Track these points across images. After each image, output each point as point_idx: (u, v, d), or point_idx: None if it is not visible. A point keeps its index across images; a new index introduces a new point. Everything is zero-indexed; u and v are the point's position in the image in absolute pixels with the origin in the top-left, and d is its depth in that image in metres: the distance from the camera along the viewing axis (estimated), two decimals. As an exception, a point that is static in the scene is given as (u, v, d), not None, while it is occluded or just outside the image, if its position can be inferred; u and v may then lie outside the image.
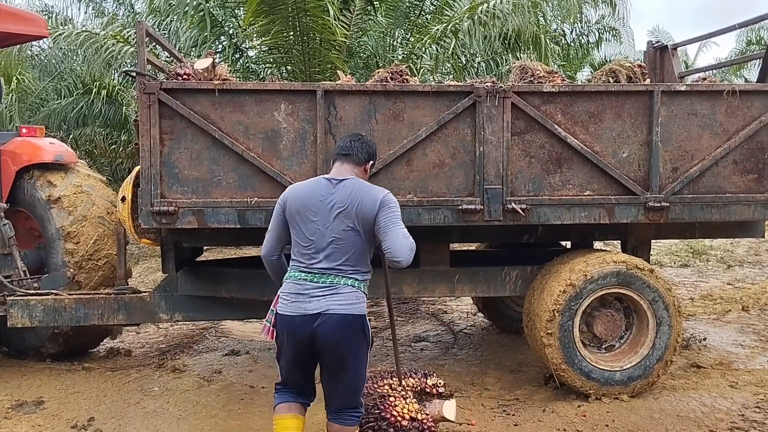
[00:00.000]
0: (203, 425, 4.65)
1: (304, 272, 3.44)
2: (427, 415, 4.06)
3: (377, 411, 3.97)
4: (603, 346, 5.08)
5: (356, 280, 3.43)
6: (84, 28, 12.52)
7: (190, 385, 5.47)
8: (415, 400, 4.13)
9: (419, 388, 4.23)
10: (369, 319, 3.53)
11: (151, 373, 5.84)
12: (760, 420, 4.55)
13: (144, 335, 7.25)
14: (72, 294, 5.49)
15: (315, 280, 3.40)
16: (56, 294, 5.47)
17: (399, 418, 3.94)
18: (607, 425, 4.51)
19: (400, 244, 3.38)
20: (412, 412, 4.00)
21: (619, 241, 5.84)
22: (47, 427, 4.67)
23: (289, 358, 3.51)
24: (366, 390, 4.10)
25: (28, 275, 5.79)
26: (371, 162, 3.71)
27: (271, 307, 3.60)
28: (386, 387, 4.14)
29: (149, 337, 7.21)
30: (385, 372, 4.35)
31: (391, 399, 4.04)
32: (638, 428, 4.45)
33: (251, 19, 9.23)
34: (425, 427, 3.99)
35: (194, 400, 5.15)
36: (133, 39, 10.23)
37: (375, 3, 10.84)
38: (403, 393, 4.13)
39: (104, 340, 6.62)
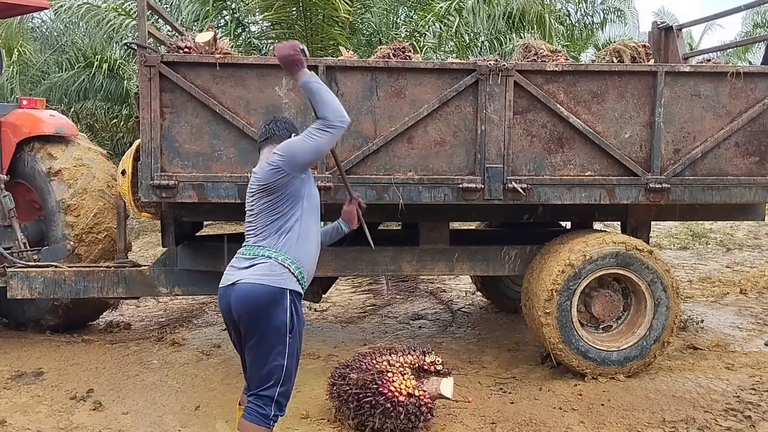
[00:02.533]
0: (202, 398, 4.68)
1: (243, 248, 3.39)
2: (424, 391, 4.09)
3: (375, 386, 3.99)
4: (600, 326, 5.10)
5: (273, 250, 3.25)
6: (85, 1, 12.40)
7: (189, 359, 5.50)
8: (413, 376, 4.14)
9: (417, 365, 4.24)
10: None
11: (150, 346, 5.88)
12: (756, 402, 4.57)
13: (143, 309, 7.29)
14: (72, 266, 5.51)
15: (245, 253, 3.34)
16: (56, 266, 5.48)
17: (396, 394, 3.97)
18: (602, 404, 4.53)
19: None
20: (409, 388, 4.02)
21: (619, 222, 5.84)
22: (46, 398, 4.70)
23: (229, 333, 3.48)
24: (363, 365, 4.13)
25: (28, 247, 5.81)
26: (295, 135, 3.46)
27: None
28: (384, 363, 4.16)
29: (149, 310, 7.25)
30: (384, 348, 4.37)
31: (389, 375, 4.06)
32: (634, 408, 4.47)
33: (254, -7, 9.17)
34: (422, 403, 4.02)
35: (193, 373, 5.19)
36: (135, 12, 10.16)
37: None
38: (401, 369, 4.14)
39: (104, 314, 6.65)
